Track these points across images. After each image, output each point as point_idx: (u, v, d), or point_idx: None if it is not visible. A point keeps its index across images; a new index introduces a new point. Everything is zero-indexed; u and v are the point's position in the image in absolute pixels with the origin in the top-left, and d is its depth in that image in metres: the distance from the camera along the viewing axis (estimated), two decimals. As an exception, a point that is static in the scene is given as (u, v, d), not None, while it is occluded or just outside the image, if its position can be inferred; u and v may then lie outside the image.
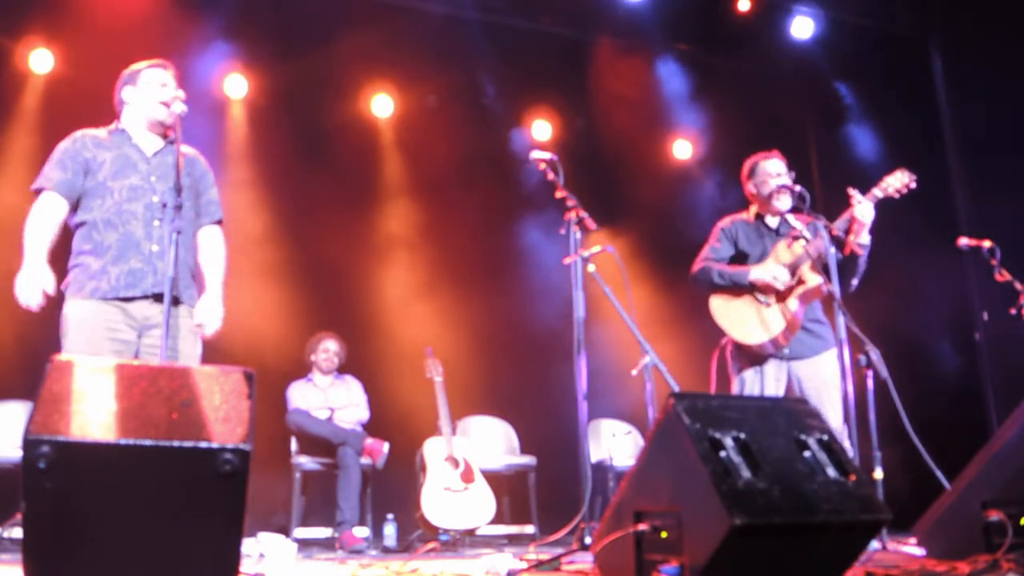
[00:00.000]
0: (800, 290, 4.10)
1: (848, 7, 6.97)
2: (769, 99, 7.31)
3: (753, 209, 4.39)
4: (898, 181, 4.15)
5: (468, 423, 6.11)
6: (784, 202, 4.24)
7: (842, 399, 3.99)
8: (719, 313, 4.17)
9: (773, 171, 4.28)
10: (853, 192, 4.13)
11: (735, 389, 4.14)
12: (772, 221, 4.33)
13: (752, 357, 4.11)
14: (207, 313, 3.31)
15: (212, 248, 3.48)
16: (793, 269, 4.10)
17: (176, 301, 3.18)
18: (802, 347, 4.10)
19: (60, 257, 3.31)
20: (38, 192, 3.29)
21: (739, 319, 4.11)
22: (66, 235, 3.33)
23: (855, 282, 4.12)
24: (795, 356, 4.09)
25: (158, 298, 3.15)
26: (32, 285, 3.09)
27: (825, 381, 4.07)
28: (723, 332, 4.17)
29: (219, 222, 3.53)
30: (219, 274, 3.43)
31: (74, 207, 3.29)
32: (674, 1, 6.76)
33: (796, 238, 4.14)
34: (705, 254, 4.29)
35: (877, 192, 4.12)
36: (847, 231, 4.09)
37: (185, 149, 3.45)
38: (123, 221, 3.20)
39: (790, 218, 4.23)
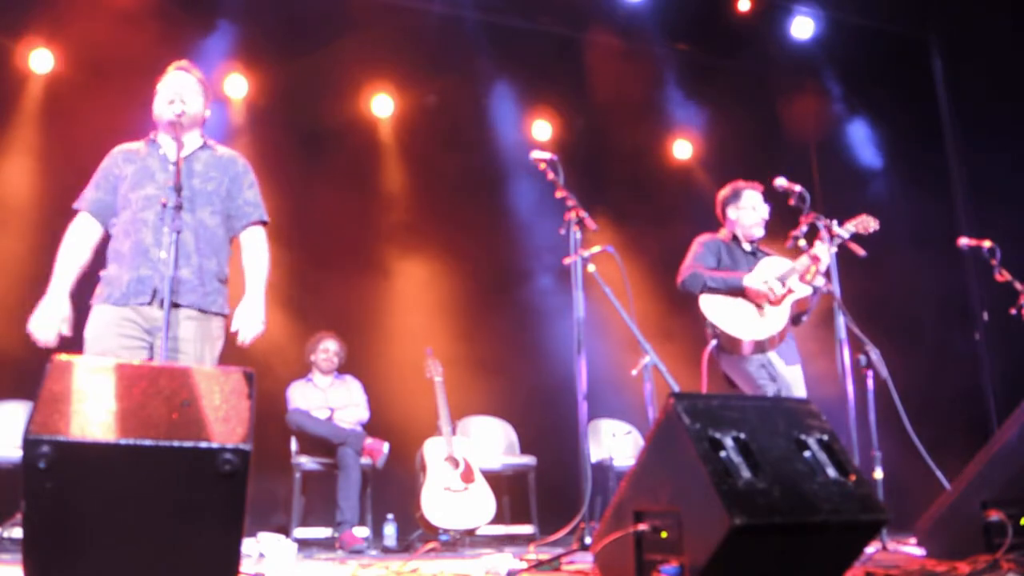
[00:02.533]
0: (792, 298, 4.15)
1: (848, 7, 6.96)
2: (769, 99, 7.32)
3: (724, 232, 4.48)
4: (863, 225, 4.29)
5: (468, 423, 6.11)
6: (758, 232, 4.41)
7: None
8: (711, 310, 4.18)
9: (754, 203, 4.41)
10: (824, 229, 4.17)
11: (749, 369, 4.11)
12: (747, 245, 4.43)
13: (747, 350, 4.12)
14: (243, 319, 3.22)
15: (252, 251, 3.37)
16: (783, 282, 4.15)
17: (175, 305, 3.12)
18: (785, 350, 4.16)
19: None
20: (76, 212, 3.31)
21: (734, 315, 4.14)
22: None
23: (805, 319, 4.22)
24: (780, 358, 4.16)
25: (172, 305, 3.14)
26: (48, 321, 3.08)
27: (792, 391, 4.16)
28: (710, 331, 4.17)
29: (262, 223, 3.44)
30: (260, 278, 3.31)
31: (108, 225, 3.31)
32: (674, 1, 6.76)
33: (795, 239, 4.18)
34: (691, 263, 4.32)
35: (843, 232, 4.22)
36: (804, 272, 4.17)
37: (223, 150, 3.47)
38: (136, 229, 3.20)
39: (765, 251, 4.35)
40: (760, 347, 4.09)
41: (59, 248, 3.22)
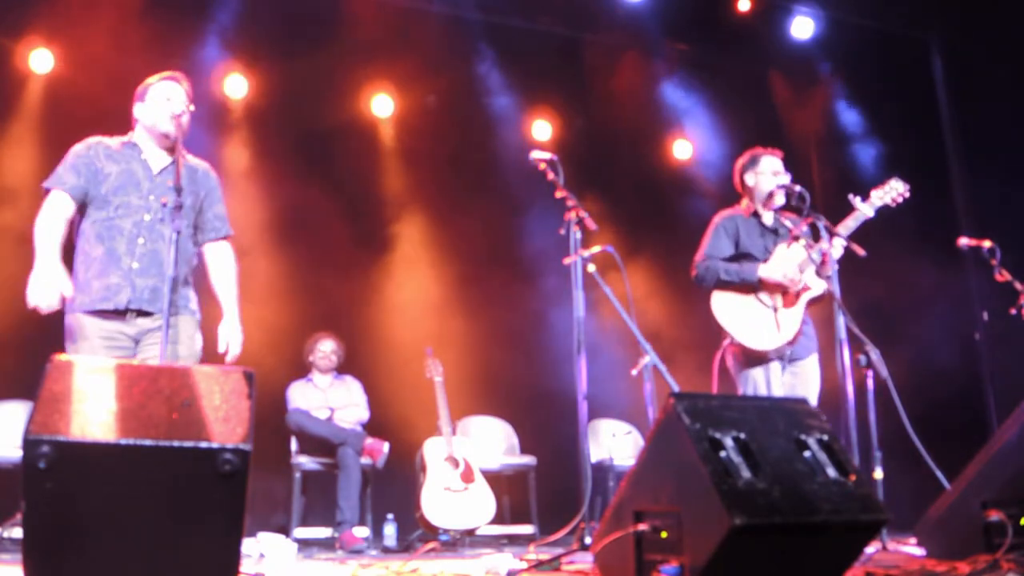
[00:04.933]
0: (807, 296, 4.10)
1: (848, 7, 6.96)
2: (769, 99, 7.31)
3: (745, 203, 4.37)
4: (894, 190, 4.22)
5: (468, 423, 6.11)
6: (779, 199, 4.28)
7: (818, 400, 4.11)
8: (724, 315, 4.10)
9: (774, 168, 4.29)
10: (854, 199, 4.18)
11: (742, 388, 4.13)
12: (767, 218, 4.32)
13: (756, 358, 4.09)
14: (227, 336, 3.31)
15: (222, 266, 3.45)
16: (801, 270, 4.11)
17: (145, 314, 3.19)
18: (800, 348, 4.12)
19: (70, 252, 3.31)
20: (47, 192, 3.28)
21: (747, 323, 4.07)
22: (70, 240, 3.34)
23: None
24: (795, 357, 4.12)
25: (140, 313, 3.18)
26: (48, 287, 3.04)
27: (808, 382, 4.13)
28: (723, 332, 4.13)
29: (227, 238, 3.51)
30: (233, 293, 3.41)
31: (79, 211, 3.29)
32: (674, 1, 6.76)
33: (796, 238, 4.15)
34: (705, 250, 4.23)
35: (875, 200, 4.17)
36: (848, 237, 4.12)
37: (197, 162, 3.49)
38: (110, 236, 3.22)
39: (787, 221, 4.26)
40: (777, 353, 4.07)
41: (37, 225, 3.18)
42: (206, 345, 3.38)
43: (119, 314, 3.17)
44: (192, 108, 3.37)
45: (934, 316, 6.63)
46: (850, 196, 4.22)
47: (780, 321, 4.06)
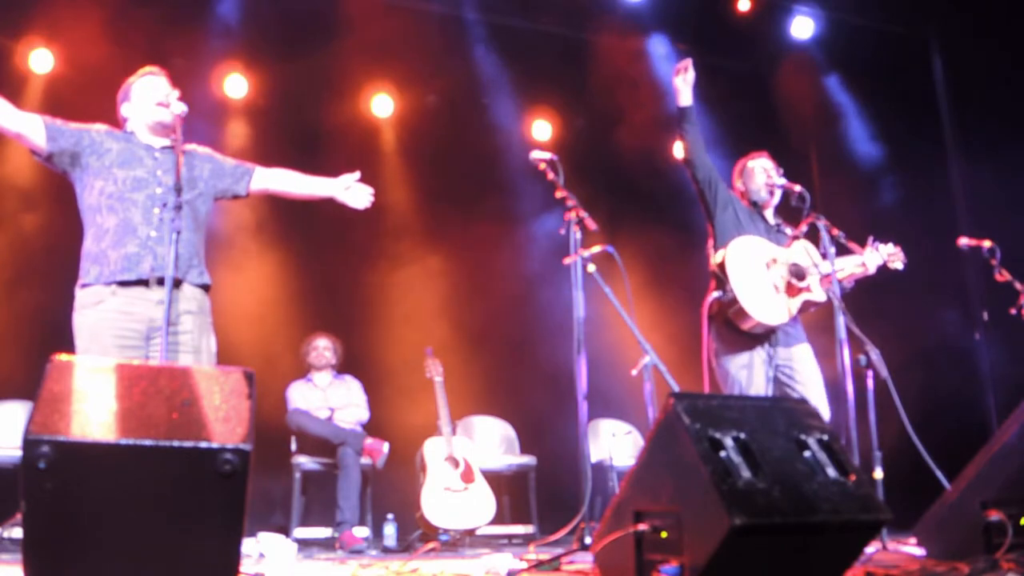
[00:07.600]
0: (804, 296, 4.09)
1: (848, 7, 6.97)
2: (769, 99, 7.32)
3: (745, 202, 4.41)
4: (897, 259, 4.34)
5: (468, 423, 6.12)
6: (775, 198, 4.31)
7: (827, 394, 4.10)
8: (734, 267, 3.99)
9: (763, 166, 4.31)
10: (873, 243, 4.29)
11: (727, 389, 4.11)
12: (768, 215, 4.33)
13: (738, 336, 4.04)
14: (340, 188, 3.63)
15: (281, 173, 3.68)
16: (799, 273, 4.10)
17: (178, 283, 3.18)
18: (784, 335, 4.10)
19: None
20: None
21: (755, 289, 3.98)
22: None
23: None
24: (777, 343, 4.09)
25: (159, 282, 3.14)
26: None
27: (810, 368, 4.11)
28: (725, 281, 4.01)
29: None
30: (307, 176, 3.68)
31: (48, 158, 3.25)
32: (674, 1, 6.76)
33: (796, 238, 4.16)
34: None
35: (883, 254, 4.28)
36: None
37: (187, 147, 3.48)
38: (124, 208, 3.21)
39: (787, 229, 4.29)
40: (760, 328, 4.03)
41: None
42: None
43: (142, 283, 3.15)
44: (178, 92, 3.37)
45: (934, 316, 6.63)
46: (870, 239, 4.31)
47: (779, 301, 4.04)
